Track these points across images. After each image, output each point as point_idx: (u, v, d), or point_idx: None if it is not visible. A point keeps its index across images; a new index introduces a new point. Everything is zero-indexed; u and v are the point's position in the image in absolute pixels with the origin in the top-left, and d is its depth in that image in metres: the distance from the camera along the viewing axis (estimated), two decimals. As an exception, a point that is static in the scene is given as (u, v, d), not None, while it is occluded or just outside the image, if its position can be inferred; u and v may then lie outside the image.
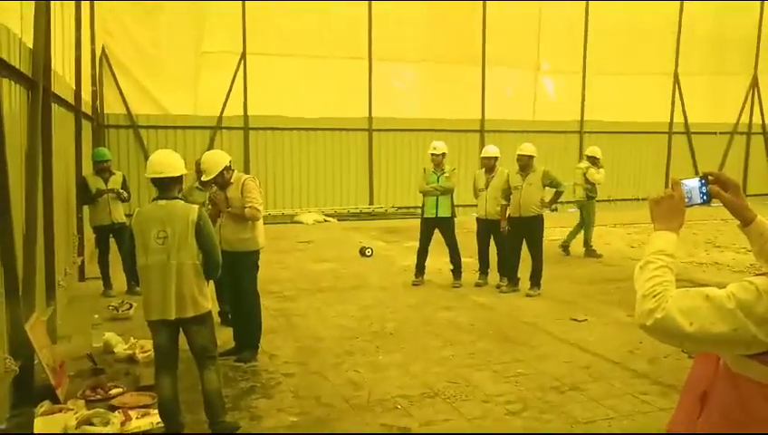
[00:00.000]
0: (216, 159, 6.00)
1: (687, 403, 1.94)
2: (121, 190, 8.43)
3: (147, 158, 15.45)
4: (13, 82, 5.26)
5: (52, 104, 7.14)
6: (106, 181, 8.41)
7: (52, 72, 6.99)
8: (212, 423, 4.44)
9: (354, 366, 5.89)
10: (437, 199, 9.03)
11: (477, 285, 9.15)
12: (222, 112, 16.71)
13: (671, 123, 21.13)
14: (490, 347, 6.47)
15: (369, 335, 6.87)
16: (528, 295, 8.62)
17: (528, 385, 5.45)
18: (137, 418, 4.65)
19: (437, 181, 9.06)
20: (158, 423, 4.54)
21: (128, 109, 15.99)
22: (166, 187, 4.31)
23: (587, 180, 11.62)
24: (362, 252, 11.74)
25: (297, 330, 7.10)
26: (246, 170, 16.89)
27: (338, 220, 17.17)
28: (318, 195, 17.58)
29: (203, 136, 16.47)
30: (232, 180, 6.01)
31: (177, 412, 4.43)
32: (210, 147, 16.36)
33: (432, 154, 9.13)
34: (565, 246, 11.86)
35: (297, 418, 4.79)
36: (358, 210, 17.87)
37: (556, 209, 17.24)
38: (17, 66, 5.35)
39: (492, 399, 5.14)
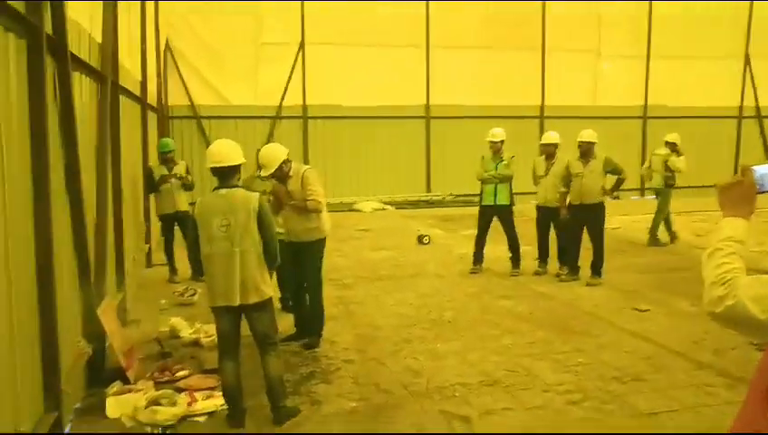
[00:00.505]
0: (274, 154, 5.98)
1: (754, 399, 1.88)
2: (186, 175, 8.66)
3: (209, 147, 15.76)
4: (84, 76, 5.47)
5: (120, 96, 7.40)
6: (170, 171, 8.66)
7: (119, 66, 7.23)
8: (273, 408, 4.54)
9: (412, 354, 5.93)
10: (496, 187, 8.95)
11: (536, 273, 9.05)
12: (281, 102, 16.98)
13: (741, 107, 20.32)
14: (550, 336, 6.40)
15: (427, 323, 6.89)
16: (589, 285, 8.47)
17: (589, 375, 5.37)
18: (202, 399, 4.80)
19: (496, 169, 8.97)
20: (222, 405, 4.67)
21: (190, 100, 16.42)
22: (225, 176, 4.37)
23: (667, 168, 11.26)
24: (420, 240, 11.75)
25: (355, 317, 7.18)
26: (305, 160, 17.12)
27: (395, 208, 17.23)
28: (376, 183, 17.66)
29: (263, 125, 16.77)
30: (291, 173, 6.03)
31: (240, 396, 4.53)
32: (270, 136, 16.66)
33: (491, 141, 9.04)
34: (653, 235, 11.55)
35: (356, 403, 4.86)
36: (415, 198, 17.88)
37: (618, 197, 16.89)
38: (88, 60, 5.57)
39: (552, 388, 5.09)
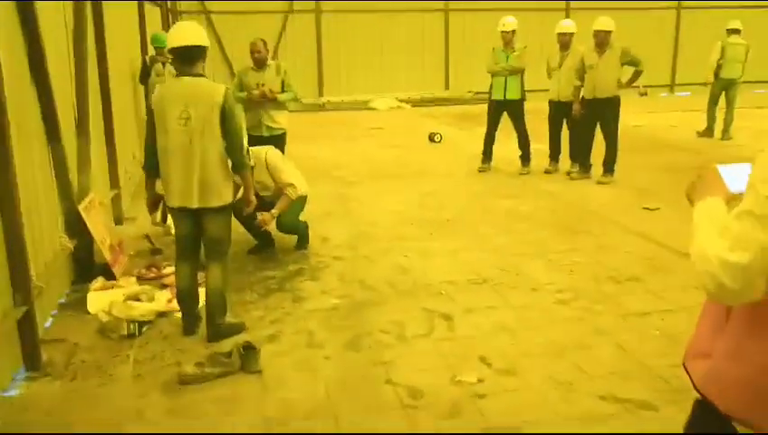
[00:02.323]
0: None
1: (704, 322, 1.68)
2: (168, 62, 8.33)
3: (220, 44, 15.44)
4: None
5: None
6: (164, 65, 8.38)
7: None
8: (208, 323, 4.16)
9: (404, 252, 5.79)
10: (506, 80, 8.52)
11: (547, 171, 8.75)
12: (293, -5, 16.32)
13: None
14: (548, 236, 6.20)
15: (425, 222, 6.72)
16: (599, 183, 8.17)
17: (583, 275, 5.20)
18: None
19: (507, 60, 8.51)
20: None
21: (199, -6, 15.86)
22: (190, 59, 3.95)
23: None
24: (431, 138, 11.45)
25: (353, 215, 7.04)
26: (319, 56, 16.63)
27: (412, 106, 16.79)
28: (392, 80, 17.13)
29: (275, 21, 16.19)
30: (252, 163, 5.18)
31: (194, 302, 4.28)
32: (282, 31, 16.10)
33: (501, 31, 8.53)
34: (709, 128, 11.36)
35: (339, 300, 4.77)
36: (433, 96, 17.37)
37: (646, 93, 16.17)
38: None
39: (542, 287, 4.94)
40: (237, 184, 5.34)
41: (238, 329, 4.25)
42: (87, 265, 5.27)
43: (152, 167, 4.12)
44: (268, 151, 5.69)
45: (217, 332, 4.16)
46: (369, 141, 11.71)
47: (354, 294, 4.88)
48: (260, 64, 6.79)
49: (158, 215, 4.33)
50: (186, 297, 4.25)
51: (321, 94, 16.97)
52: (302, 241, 5.95)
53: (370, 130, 12.92)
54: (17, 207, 3.77)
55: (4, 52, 3.83)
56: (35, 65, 4.47)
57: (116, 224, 6.60)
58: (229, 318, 4.27)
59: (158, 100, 4.00)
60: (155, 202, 4.25)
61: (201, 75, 4.02)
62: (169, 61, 8.34)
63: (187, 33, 4.00)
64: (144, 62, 8.63)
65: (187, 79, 3.98)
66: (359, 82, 16.85)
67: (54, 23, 5.17)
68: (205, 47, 4.02)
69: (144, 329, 4.28)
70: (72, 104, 5.56)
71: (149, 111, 4.06)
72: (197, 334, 4.26)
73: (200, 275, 4.36)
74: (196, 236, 4.20)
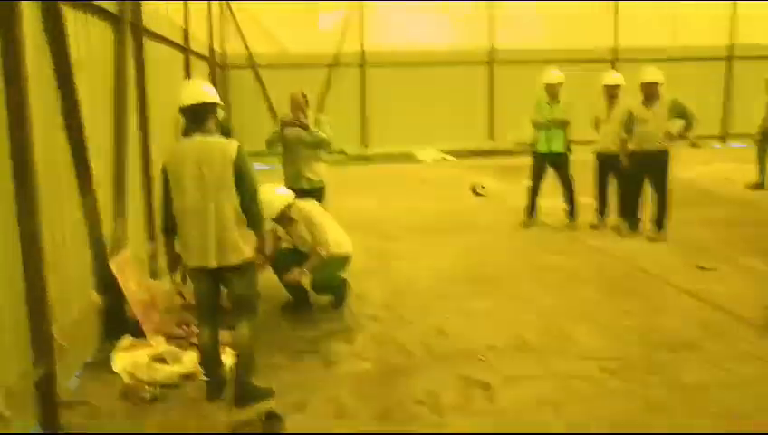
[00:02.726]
0: (271, 201, 5.14)
1: None
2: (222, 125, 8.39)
3: (266, 96, 15.58)
4: (89, 16, 5.18)
5: (150, 42, 7.17)
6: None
7: (149, 10, 6.96)
8: (236, 382, 4.01)
9: (443, 312, 5.53)
10: (551, 133, 8.30)
11: (593, 226, 8.41)
12: (339, 49, 16.52)
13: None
14: (597, 297, 5.86)
15: (466, 279, 6.46)
16: (649, 239, 7.78)
17: (634, 341, 4.84)
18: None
19: (552, 113, 8.30)
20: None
21: (247, 48, 16.20)
22: (201, 117, 3.86)
23: None
24: (474, 191, 11.23)
25: (392, 271, 6.82)
26: (363, 108, 16.74)
27: (457, 158, 16.64)
28: (437, 132, 17.02)
29: (320, 74, 16.39)
30: (294, 216, 5.41)
31: (217, 365, 4.14)
32: (327, 84, 16.29)
33: (547, 84, 8.36)
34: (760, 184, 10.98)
35: (371, 365, 4.54)
36: (477, 147, 17.21)
37: (697, 144, 15.69)
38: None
39: (589, 355, 4.60)
40: (275, 236, 5.24)
41: (265, 394, 4.05)
42: (118, 322, 5.17)
43: (169, 227, 4.02)
44: (307, 206, 5.57)
45: (244, 395, 3.98)
46: (413, 194, 11.55)
47: (388, 359, 4.64)
48: (299, 119, 6.72)
49: (178, 275, 4.20)
50: (207, 360, 4.10)
51: (365, 146, 17.01)
52: (338, 300, 5.76)
53: (414, 183, 12.78)
54: (41, 262, 3.68)
55: (34, 97, 3.81)
56: (68, 112, 4.45)
57: (152, 278, 6.52)
58: (256, 382, 4.07)
59: (170, 160, 3.92)
60: (174, 262, 4.13)
61: (212, 132, 3.92)
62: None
63: (197, 91, 3.94)
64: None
65: (198, 137, 3.89)
66: (403, 133, 16.80)
67: (94, 71, 5.21)
68: (215, 104, 3.94)
69: (167, 392, 4.11)
70: (110, 153, 5.57)
71: (164, 172, 3.96)
72: (222, 399, 4.07)
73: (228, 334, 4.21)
74: (215, 296, 4.08)
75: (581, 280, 6.34)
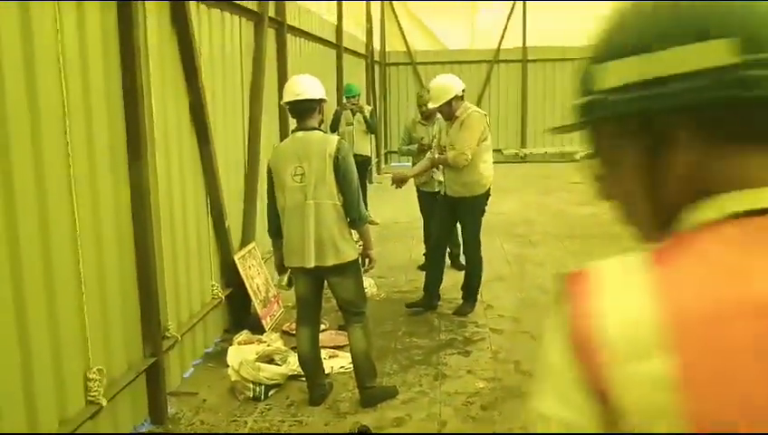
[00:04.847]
0: (446, 86, 5.26)
1: None
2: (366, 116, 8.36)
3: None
4: (232, 15, 5.30)
5: (299, 39, 7.30)
6: (354, 114, 8.46)
7: (295, 8, 7.08)
8: (359, 387, 3.98)
9: (576, 330, 5.01)
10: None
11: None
12: (499, 45, 16.03)
13: None
14: None
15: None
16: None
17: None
18: (324, 359, 4.47)
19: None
20: (348, 365, 4.27)
21: (407, 45, 16.21)
22: (303, 113, 3.76)
23: None
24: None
25: (526, 279, 6.36)
26: (524, 105, 16.15)
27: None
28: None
29: (479, 70, 16.02)
30: (457, 114, 5.31)
31: (317, 369, 4.02)
32: (486, 81, 15.91)
33: None
34: None
35: (485, 384, 4.18)
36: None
37: None
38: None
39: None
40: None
41: (392, 393, 4.04)
42: (242, 316, 5.25)
43: (275, 229, 3.94)
44: (474, 112, 5.31)
45: (370, 397, 3.95)
46: (566, 196, 10.84)
47: (505, 379, 4.25)
48: (428, 118, 6.47)
49: (285, 278, 4.12)
50: (306, 363, 4.00)
51: (523, 145, 16.39)
52: (466, 305, 5.47)
53: (569, 185, 12.01)
54: (153, 256, 3.77)
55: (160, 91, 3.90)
56: (195, 109, 4.55)
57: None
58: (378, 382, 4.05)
59: (274, 158, 3.84)
60: (282, 264, 4.04)
61: (316, 129, 3.79)
62: (359, 110, 8.43)
63: (300, 86, 3.80)
64: (336, 111, 8.80)
65: (299, 134, 3.78)
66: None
67: (232, 66, 5.33)
68: (318, 100, 3.79)
69: (271, 393, 4.06)
70: (244, 150, 5.68)
71: (268, 171, 3.89)
72: (323, 406, 3.94)
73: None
74: (316, 298, 3.98)
75: None
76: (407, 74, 16.33)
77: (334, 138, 3.82)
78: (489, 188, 5.49)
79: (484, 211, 5.59)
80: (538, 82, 16.14)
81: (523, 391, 4.04)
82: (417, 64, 16.26)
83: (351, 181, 3.73)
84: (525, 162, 15.86)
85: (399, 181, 5.53)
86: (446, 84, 5.31)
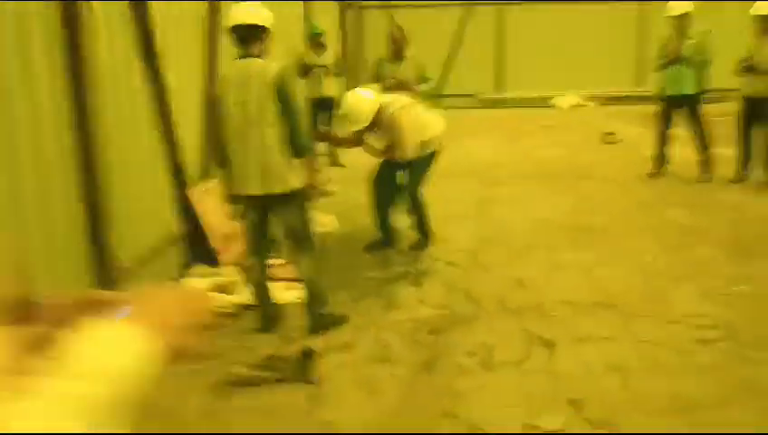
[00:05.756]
0: (359, 107, 5.09)
1: None
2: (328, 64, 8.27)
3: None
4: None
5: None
6: (318, 55, 8.33)
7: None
8: (308, 314, 4.02)
9: (530, 263, 5.10)
10: (680, 73, 7.33)
11: (733, 181, 7.39)
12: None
13: None
14: (715, 256, 5.13)
15: (568, 229, 5.92)
16: (800, 198, 6.72)
17: (747, 309, 4.16)
18: (281, 290, 4.52)
19: (679, 50, 7.33)
20: (298, 298, 4.32)
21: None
22: (245, 40, 3.69)
23: None
24: (604, 138, 10.35)
25: (488, 217, 6.42)
26: (501, 52, 15.98)
27: (599, 104, 15.47)
28: (578, 77, 15.88)
29: (454, 14, 15.76)
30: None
31: (265, 295, 4.06)
32: (463, 27, 15.65)
33: (670, 17, 7.39)
34: None
35: (433, 312, 4.26)
36: (622, 93, 15.87)
37: None
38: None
39: (683, 320, 4.01)
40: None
41: (341, 321, 4.08)
42: (201, 252, 5.26)
43: (221, 158, 3.91)
44: (400, 109, 5.18)
45: (317, 323, 3.99)
46: (537, 140, 10.85)
47: (454, 307, 4.33)
48: (397, 56, 6.43)
49: (236, 209, 4.13)
50: (256, 291, 4.05)
51: (500, 90, 16.28)
52: (421, 241, 5.51)
53: (541, 128, 12.02)
54: (97, 186, 3.76)
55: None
56: (144, 48, 4.47)
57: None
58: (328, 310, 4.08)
59: (219, 87, 3.81)
60: (230, 194, 4.04)
61: (257, 57, 3.71)
62: (324, 52, 8.31)
63: (248, 12, 3.72)
64: (299, 57, 8.65)
65: (241, 61, 3.73)
66: (541, 77, 15.83)
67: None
68: (263, 27, 3.72)
69: (222, 322, 4.11)
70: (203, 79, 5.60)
71: (217, 100, 3.85)
72: (273, 333, 4.01)
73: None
74: (262, 227, 3.99)
75: (702, 238, 5.57)
76: (384, 18, 16.05)
77: (274, 65, 3.74)
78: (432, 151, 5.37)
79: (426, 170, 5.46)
80: (515, 26, 15.93)
81: (471, 318, 4.13)
82: (391, 8, 15.96)
83: (294, 110, 3.70)
84: (501, 107, 15.77)
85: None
86: (360, 104, 5.13)
